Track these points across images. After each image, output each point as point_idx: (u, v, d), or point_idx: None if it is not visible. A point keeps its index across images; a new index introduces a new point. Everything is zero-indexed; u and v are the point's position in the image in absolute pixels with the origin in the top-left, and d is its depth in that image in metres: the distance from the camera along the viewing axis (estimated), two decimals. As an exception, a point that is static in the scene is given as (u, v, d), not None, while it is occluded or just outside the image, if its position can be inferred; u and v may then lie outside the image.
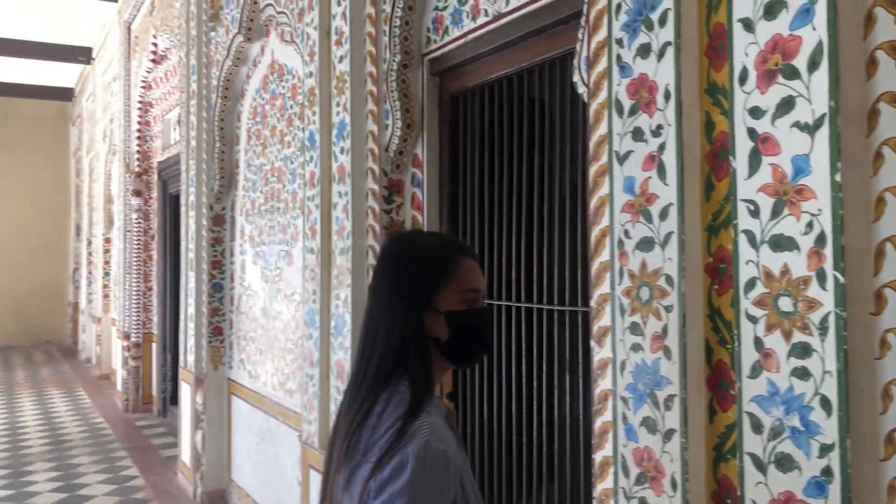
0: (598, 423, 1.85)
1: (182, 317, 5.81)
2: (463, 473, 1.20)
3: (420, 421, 1.16)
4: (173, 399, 7.93)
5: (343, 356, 3.14)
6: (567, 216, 2.48)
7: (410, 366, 1.25)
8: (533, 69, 2.54)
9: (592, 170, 1.86)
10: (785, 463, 1.34)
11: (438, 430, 1.17)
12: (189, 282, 5.54)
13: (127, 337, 8.54)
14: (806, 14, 1.32)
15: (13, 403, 8.97)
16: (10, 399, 9.26)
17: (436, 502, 1.11)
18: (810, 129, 1.31)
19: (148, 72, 7.95)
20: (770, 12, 1.38)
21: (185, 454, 5.58)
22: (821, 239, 1.29)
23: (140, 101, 8.33)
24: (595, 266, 1.85)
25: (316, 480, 3.33)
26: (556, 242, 2.54)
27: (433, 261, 1.29)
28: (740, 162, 1.44)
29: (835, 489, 1.26)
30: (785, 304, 1.35)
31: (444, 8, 2.83)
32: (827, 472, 1.27)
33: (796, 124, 1.33)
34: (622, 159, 1.72)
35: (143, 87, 8.22)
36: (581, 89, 2.01)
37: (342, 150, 3.19)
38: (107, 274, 10.90)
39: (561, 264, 2.46)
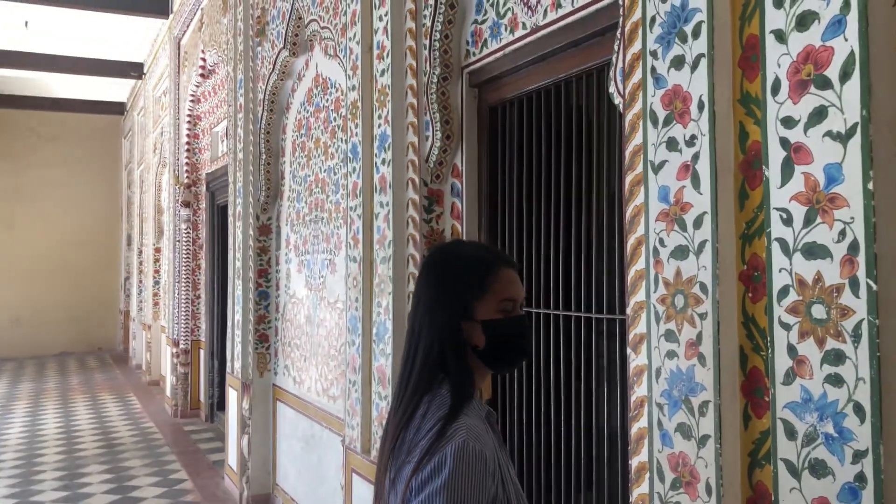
0: (634, 429, 1.87)
1: (229, 324, 5.96)
2: (503, 472, 1.24)
3: (459, 422, 1.22)
4: (220, 405, 8.11)
5: (384, 362, 3.20)
6: (605, 225, 2.51)
7: (450, 371, 1.31)
8: (570, 80, 2.58)
9: (628, 179, 1.89)
10: (819, 469, 1.35)
11: (476, 431, 1.22)
12: (236, 290, 5.69)
13: (176, 344, 8.77)
14: (838, 25, 1.34)
15: (69, 408, 9.28)
16: (66, 404, 9.58)
17: (474, 499, 1.15)
18: (842, 138, 1.33)
19: (197, 86, 8.18)
20: (802, 24, 1.40)
21: (232, 459, 5.72)
22: (854, 247, 1.31)
23: (189, 115, 8.57)
24: (631, 274, 1.87)
25: (359, 484, 3.40)
26: (594, 251, 2.57)
27: (471, 271, 1.35)
28: (773, 171, 1.46)
29: (868, 495, 1.27)
30: (818, 311, 1.36)
31: (483, 21, 2.89)
32: (860, 477, 1.28)
33: (829, 133, 1.35)
34: (657, 169, 1.75)
35: (192, 101, 8.46)
36: (617, 100, 2.04)
37: (384, 162, 3.27)
38: (157, 283, 11.21)
39: (599, 272, 2.49)
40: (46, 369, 13.03)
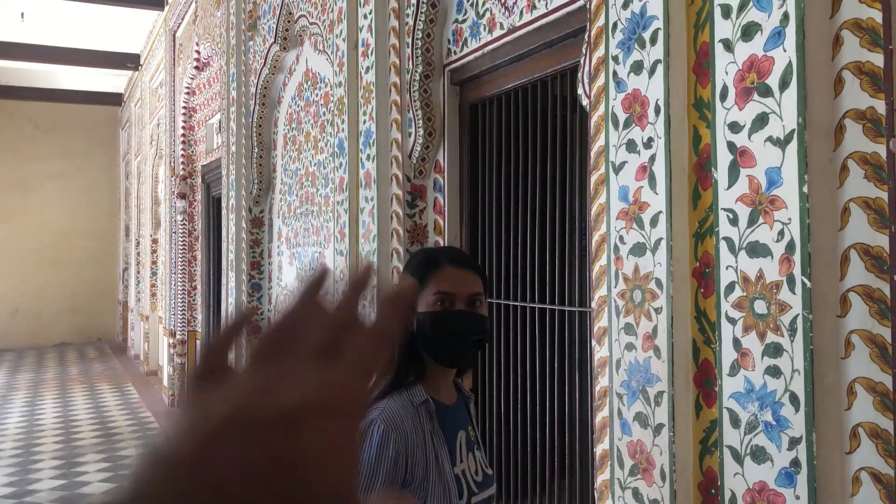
0: (598, 418, 1.96)
1: (223, 315, 6.04)
2: (421, 459, 1.36)
3: (378, 404, 1.39)
4: (216, 394, 8.21)
5: (370, 354, 3.28)
6: (577, 220, 2.58)
7: (394, 359, 1.44)
8: (546, 79, 2.65)
9: (593, 179, 1.96)
10: (759, 455, 1.44)
11: (390, 413, 1.37)
12: (229, 282, 5.77)
13: (173, 334, 8.86)
14: (777, 36, 1.41)
15: (67, 398, 9.39)
16: (65, 394, 9.68)
17: (370, 468, 1.33)
18: (781, 143, 1.40)
19: (192, 78, 8.24)
20: (747, 34, 1.48)
21: (226, 447, 5.81)
22: (790, 246, 1.38)
23: (184, 107, 8.63)
24: (595, 270, 1.95)
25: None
26: (566, 245, 2.65)
27: (417, 268, 1.51)
28: (721, 173, 1.54)
29: (802, 479, 1.35)
30: (760, 306, 1.44)
31: (464, 21, 2.95)
32: (795, 463, 1.36)
33: (769, 139, 1.43)
34: (617, 169, 1.83)
35: (188, 93, 8.52)
36: (584, 102, 2.12)
37: (368, 157, 3.34)
38: (154, 273, 11.29)
39: (571, 266, 2.56)
40: (46, 360, 13.14)
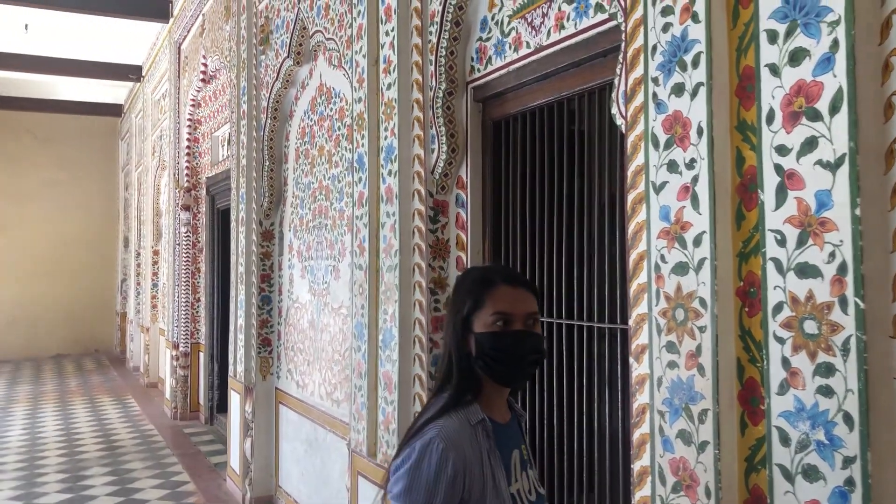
0: (636, 435, 1.97)
1: (231, 328, 6.04)
2: (479, 478, 1.37)
3: (437, 422, 1.40)
4: (220, 407, 8.19)
5: (391, 368, 3.30)
6: (606, 237, 2.61)
7: (452, 377, 1.48)
8: (572, 98, 2.68)
9: (630, 197, 1.99)
10: (811, 473, 1.46)
11: (448, 432, 1.38)
12: (239, 294, 5.78)
13: (176, 346, 8.84)
14: (827, 62, 1.44)
15: (68, 410, 9.34)
16: (65, 406, 9.63)
17: (428, 488, 1.34)
18: (832, 166, 1.43)
19: (197, 90, 8.26)
20: (794, 59, 1.51)
21: (235, 461, 5.80)
22: (842, 268, 1.41)
23: (189, 119, 8.65)
24: (633, 288, 1.98)
25: (365, 487, 3.50)
26: (594, 262, 2.67)
27: (472, 288, 1.51)
28: (768, 195, 1.56)
29: (857, 498, 1.37)
30: (810, 326, 1.47)
31: (488, 39, 2.99)
32: (849, 482, 1.38)
33: (819, 162, 1.46)
34: (658, 189, 1.85)
35: (193, 105, 8.54)
36: (619, 121, 2.15)
37: (390, 173, 3.36)
38: (155, 285, 11.27)
39: (601, 283, 2.59)
40: (43, 371, 13.07)
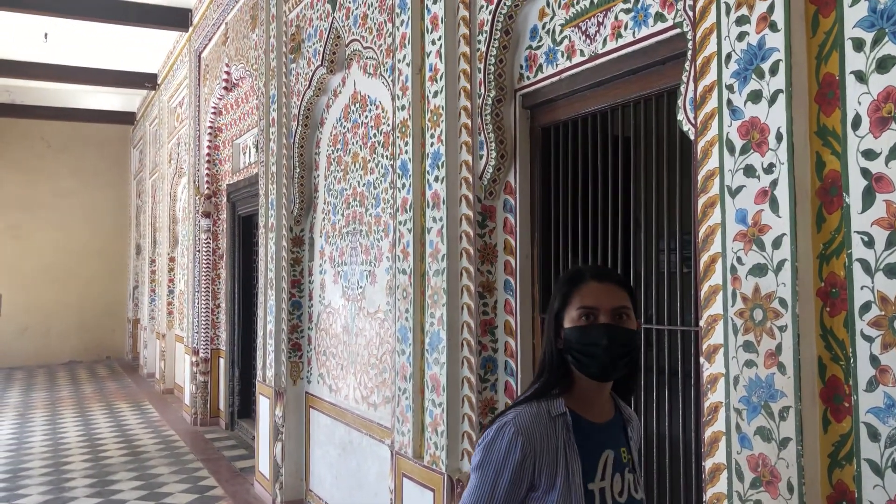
0: (708, 433, 2.02)
1: (260, 333, 6.09)
2: (541, 462, 1.45)
3: (515, 409, 1.50)
4: (241, 412, 8.23)
5: (438, 371, 3.34)
6: (654, 242, 2.66)
7: (543, 372, 1.56)
8: (627, 105, 2.74)
9: (701, 201, 2.04)
10: (902, 467, 1.50)
11: (523, 420, 1.47)
12: (269, 300, 5.82)
13: (196, 352, 8.89)
14: (917, 69, 1.50)
15: (87, 416, 9.38)
16: (83, 412, 9.67)
17: (497, 467, 1.45)
18: (923, 170, 1.49)
19: (219, 98, 8.33)
20: (882, 66, 1.56)
21: (264, 465, 5.84)
22: (934, 267, 1.46)
23: (210, 127, 8.72)
24: (704, 289, 2.03)
25: (410, 488, 3.54)
26: (642, 264, 2.73)
27: (563, 285, 1.57)
28: (854, 198, 1.62)
29: (952, 490, 1.42)
30: (900, 325, 1.52)
31: (538, 48, 3.05)
32: (944, 474, 1.43)
33: (909, 166, 1.51)
34: (734, 193, 1.90)
35: (214, 113, 8.61)
36: (686, 127, 2.20)
37: (437, 179, 3.42)
38: (171, 292, 11.33)
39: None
40: (57, 378, 13.12)
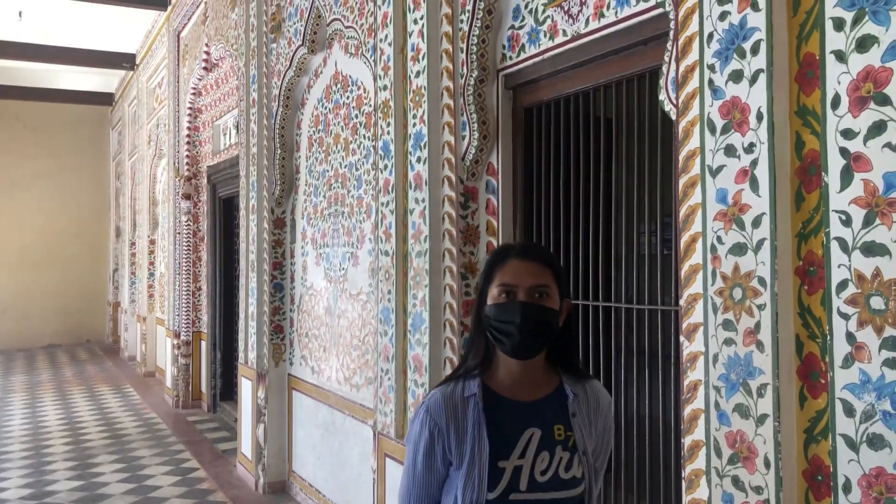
0: (687, 411, 2.04)
1: (242, 316, 6.06)
2: (449, 440, 1.50)
3: (434, 390, 1.58)
4: (223, 395, 8.22)
5: (421, 352, 3.35)
6: (634, 224, 2.68)
7: (471, 348, 1.60)
8: (609, 85, 2.73)
9: (682, 181, 2.05)
10: (876, 442, 1.53)
11: (435, 398, 1.55)
12: (250, 282, 5.80)
13: (177, 335, 8.84)
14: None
15: (67, 399, 9.32)
16: (64, 395, 9.60)
17: (414, 443, 1.56)
18: (901, 149, 1.50)
19: (199, 79, 8.23)
20: (862, 46, 1.57)
21: (246, 447, 5.84)
22: (910, 246, 1.48)
23: (190, 108, 8.62)
24: (685, 268, 2.04)
25: (393, 467, 3.55)
26: (623, 246, 2.75)
27: (488, 263, 1.59)
28: (832, 177, 1.63)
29: (924, 464, 1.45)
30: (876, 302, 1.54)
31: (521, 27, 3.03)
32: (917, 448, 1.46)
33: (888, 145, 1.52)
34: (715, 173, 1.91)
35: (194, 94, 8.51)
36: (668, 107, 2.20)
37: (419, 160, 3.41)
38: (151, 275, 11.23)
39: (628, 266, 2.66)
40: (37, 361, 13.00)
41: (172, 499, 5.34)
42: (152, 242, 11.20)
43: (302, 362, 5.31)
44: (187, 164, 8.77)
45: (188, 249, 8.81)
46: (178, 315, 8.85)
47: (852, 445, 1.58)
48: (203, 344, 8.62)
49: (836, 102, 1.63)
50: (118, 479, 5.83)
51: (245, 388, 5.95)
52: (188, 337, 8.80)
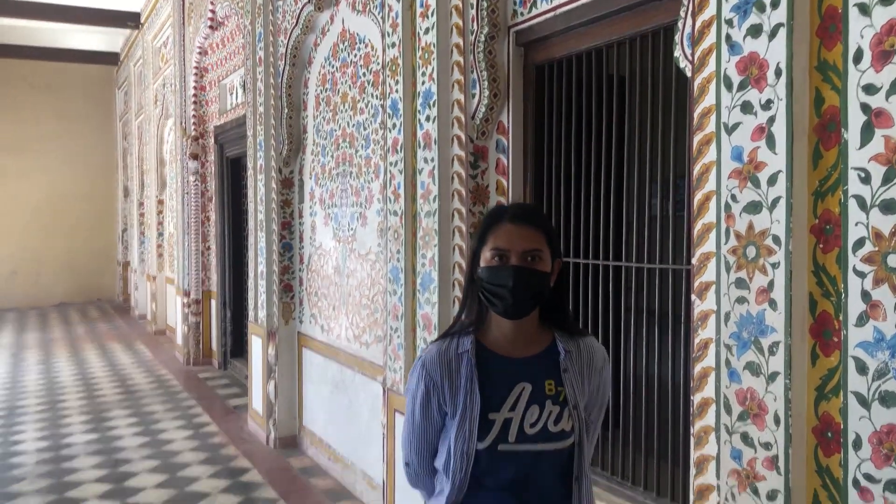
0: (697, 368, 2.05)
1: (251, 275, 6.09)
2: (442, 393, 1.57)
3: (430, 345, 1.63)
4: (234, 352, 8.30)
5: (430, 310, 3.36)
6: (647, 184, 2.66)
7: (464, 307, 1.65)
8: (623, 42, 2.69)
9: (696, 139, 2.03)
10: (888, 399, 1.54)
11: (429, 354, 1.61)
12: (259, 242, 5.81)
13: (187, 294, 8.90)
14: (921, 1, 1.47)
15: (80, 356, 9.44)
16: (76, 352, 9.73)
17: (412, 395, 1.62)
18: (922, 105, 1.47)
19: (204, 38, 8.14)
20: (886, -1, 1.53)
21: (257, 402, 5.92)
22: (929, 203, 1.46)
23: (196, 67, 8.54)
24: (698, 227, 2.03)
25: (401, 422, 3.59)
26: (634, 206, 2.73)
27: (482, 225, 1.61)
28: (852, 133, 1.61)
29: (936, 421, 1.45)
30: (893, 261, 1.53)
31: (533, -19, 2.97)
32: (929, 406, 1.46)
33: (909, 101, 1.50)
34: (730, 130, 1.89)
35: (200, 53, 8.42)
36: (683, 64, 2.17)
37: (428, 118, 3.38)
38: (160, 234, 11.27)
39: (640, 226, 2.64)
40: (49, 319, 13.15)
41: (186, 452, 5.44)
42: (160, 202, 11.22)
43: (312, 321, 5.35)
44: (194, 124, 8.73)
45: (196, 209, 8.82)
46: (188, 274, 8.90)
47: (864, 403, 1.59)
48: (213, 302, 8.69)
49: (858, 57, 1.60)
50: (132, 433, 5.93)
51: (255, 345, 6.00)
52: (198, 296, 8.86)
